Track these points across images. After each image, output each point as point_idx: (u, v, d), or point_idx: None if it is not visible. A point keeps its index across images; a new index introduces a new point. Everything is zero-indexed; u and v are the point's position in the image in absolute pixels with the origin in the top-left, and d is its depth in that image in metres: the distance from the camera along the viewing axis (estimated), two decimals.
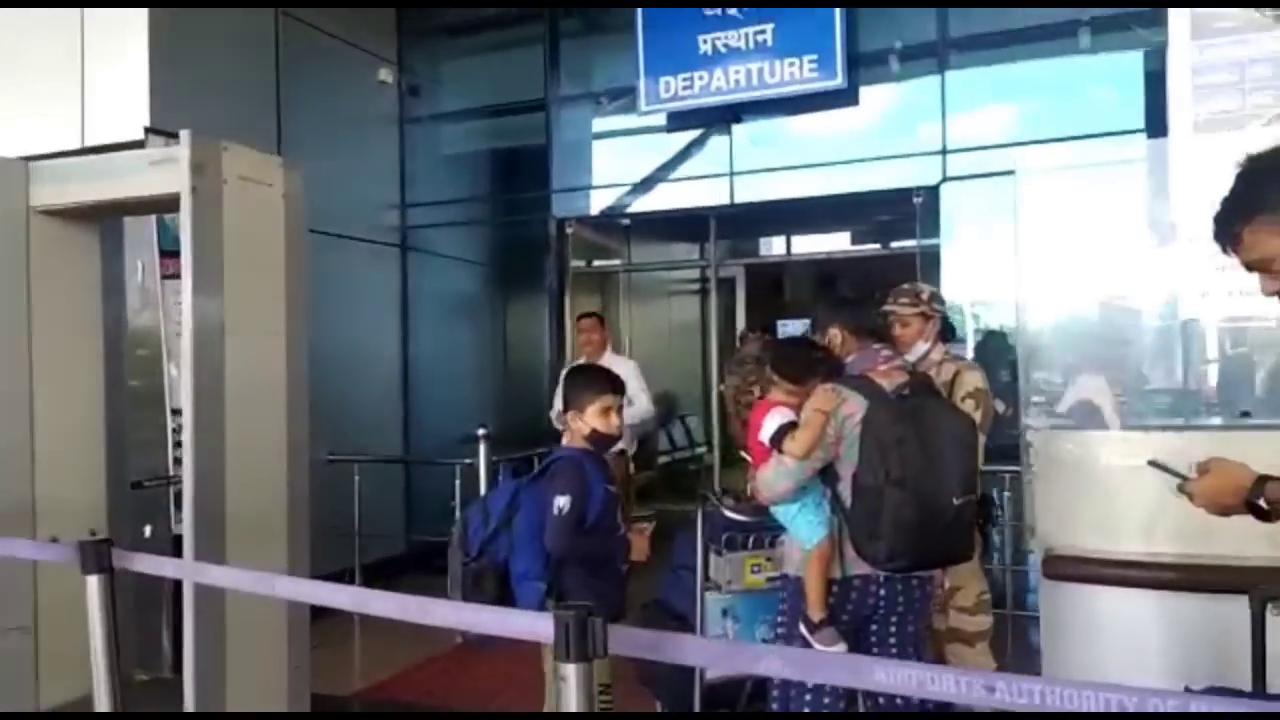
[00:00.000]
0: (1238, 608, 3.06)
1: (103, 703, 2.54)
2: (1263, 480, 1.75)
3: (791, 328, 9.09)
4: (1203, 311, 3.25)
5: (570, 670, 1.67)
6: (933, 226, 6.22)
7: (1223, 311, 3.24)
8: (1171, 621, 3.19)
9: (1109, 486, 3.28)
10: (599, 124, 7.59)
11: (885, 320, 3.38)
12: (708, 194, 6.98)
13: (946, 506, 2.61)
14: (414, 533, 7.16)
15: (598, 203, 7.58)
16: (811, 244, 9.83)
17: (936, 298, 3.54)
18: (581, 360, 5.51)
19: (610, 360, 5.52)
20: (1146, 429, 3.41)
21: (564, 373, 3.24)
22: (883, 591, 2.78)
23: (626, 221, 7.93)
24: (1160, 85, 5.70)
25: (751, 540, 3.38)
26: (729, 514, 3.38)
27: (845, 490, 2.73)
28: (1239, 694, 2.13)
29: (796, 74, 6.27)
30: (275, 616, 3.70)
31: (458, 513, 6.19)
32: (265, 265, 3.88)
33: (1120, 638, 3.24)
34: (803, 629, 2.75)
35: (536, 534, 2.82)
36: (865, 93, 6.41)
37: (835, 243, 9.55)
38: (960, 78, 6.25)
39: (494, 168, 8.19)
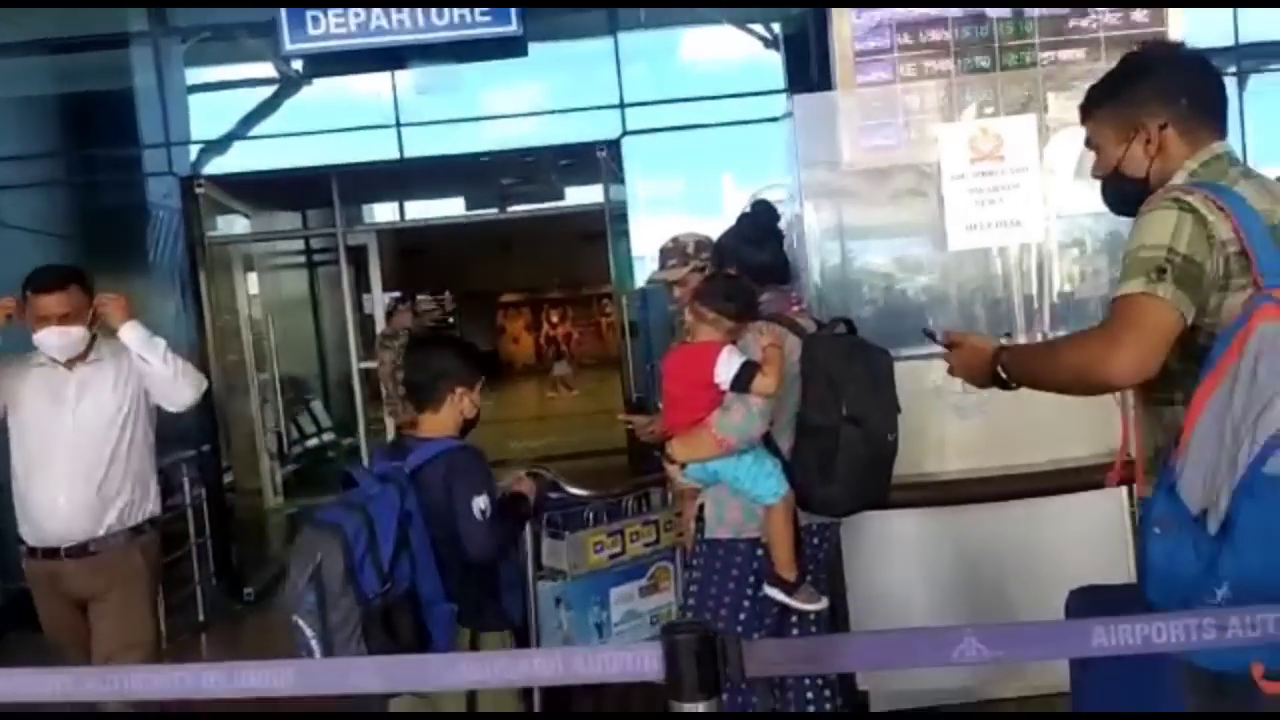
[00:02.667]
0: (1021, 512, 3.41)
1: None
2: (1000, 350, 1.86)
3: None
4: (971, 241, 3.50)
5: (700, 711, 1.27)
6: (617, 182, 6.15)
7: (991, 241, 3.51)
8: (958, 533, 3.45)
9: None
10: (231, 66, 6.43)
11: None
12: (366, 148, 6.24)
13: (886, 444, 2.54)
14: (10, 581, 5.62)
15: (222, 160, 6.45)
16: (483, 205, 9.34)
17: (705, 246, 3.13)
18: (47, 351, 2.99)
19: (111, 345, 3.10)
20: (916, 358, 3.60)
21: (409, 343, 2.65)
22: (816, 540, 2.65)
23: (259, 182, 6.84)
24: (798, 47, 6.18)
25: (593, 516, 3.03)
26: (573, 491, 2.99)
27: (780, 433, 2.55)
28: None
29: (467, 17, 5.78)
30: None
31: None
32: None
33: (916, 555, 3.44)
34: (774, 593, 2.53)
35: (431, 546, 2.33)
36: (539, 43, 6.10)
37: (513, 202, 9.16)
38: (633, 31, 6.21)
39: (76, 116, 6.57)
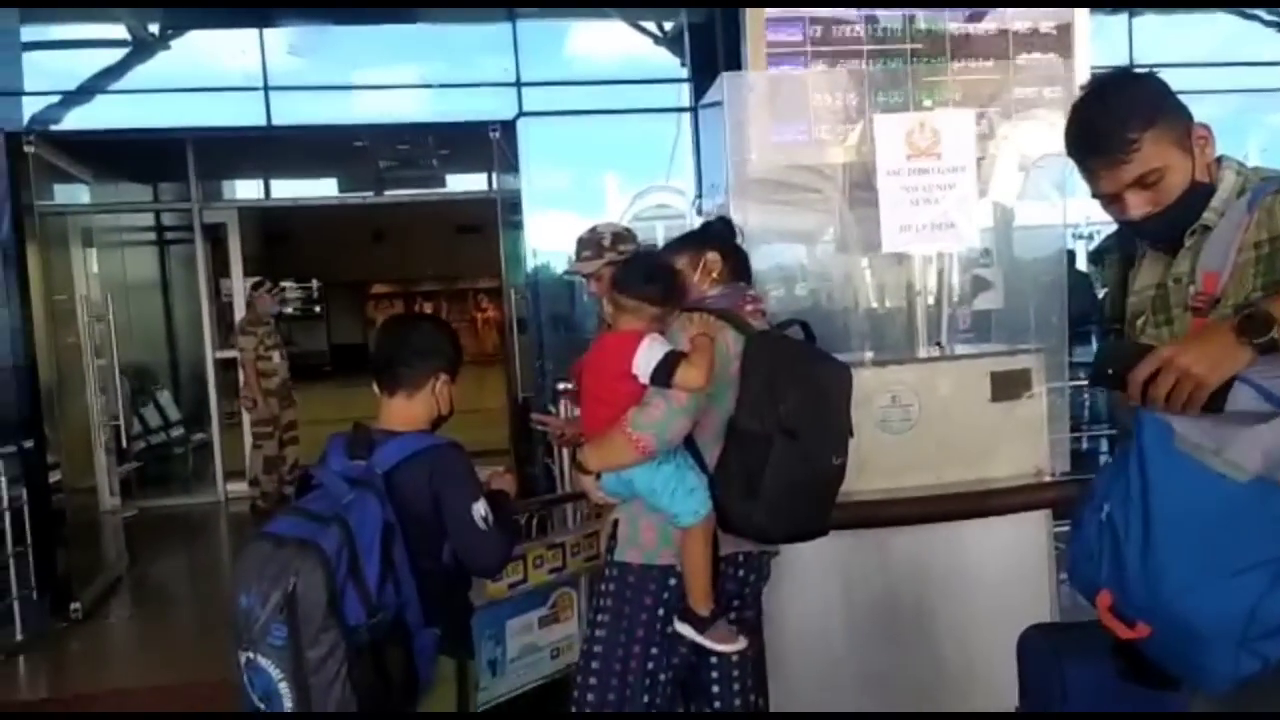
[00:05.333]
0: (945, 534, 3.21)
1: None
2: (1248, 314, 1.38)
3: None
4: (905, 244, 3.27)
5: None
6: (509, 169, 5.72)
7: (925, 245, 3.29)
8: (881, 556, 3.22)
9: None
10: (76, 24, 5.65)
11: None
12: (229, 111, 5.60)
13: (829, 467, 2.23)
14: None
15: (62, 119, 5.69)
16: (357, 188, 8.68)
17: (623, 238, 2.99)
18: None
19: None
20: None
21: (389, 325, 2.28)
22: (742, 572, 2.35)
23: (104, 145, 6.07)
24: (704, 36, 5.94)
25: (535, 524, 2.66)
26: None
27: (708, 444, 2.24)
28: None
29: None
30: None
31: None
32: None
33: (837, 579, 3.20)
34: (684, 629, 2.22)
35: (413, 562, 1.97)
36: (431, 23, 5.62)
37: (390, 187, 8.54)
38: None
39: None
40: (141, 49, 5.81)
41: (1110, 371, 1.43)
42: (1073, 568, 1.55)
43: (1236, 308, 1.47)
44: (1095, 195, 1.64)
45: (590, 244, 2.90)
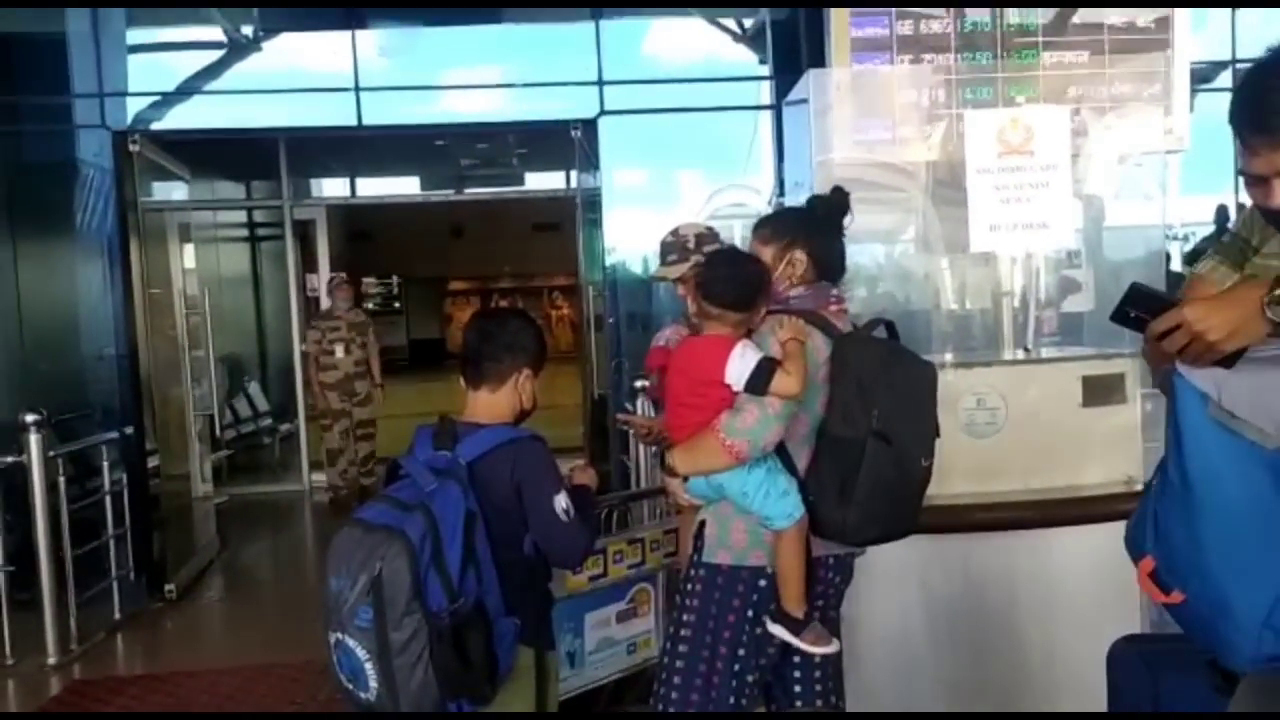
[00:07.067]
0: (1030, 542, 3.13)
1: None
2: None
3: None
4: (994, 243, 3.20)
5: None
6: (590, 167, 5.77)
7: (1015, 244, 3.22)
8: (963, 561, 3.16)
9: None
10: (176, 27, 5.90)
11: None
12: (321, 111, 5.77)
13: (919, 469, 2.22)
14: None
15: (161, 118, 5.92)
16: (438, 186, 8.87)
17: (706, 238, 2.85)
18: None
19: None
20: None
21: (477, 320, 2.33)
22: (832, 575, 2.34)
23: (201, 144, 6.30)
24: (786, 32, 5.89)
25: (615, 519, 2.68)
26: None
27: (797, 448, 2.23)
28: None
29: None
30: None
31: None
32: None
33: (916, 583, 3.14)
34: (778, 631, 2.22)
35: (494, 552, 2.02)
36: (514, 23, 5.71)
37: (470, 185, 8.69)
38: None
39: None
40: (238, 51, 6.00)
41: (1132, 315, 1.45)
42: (1128, 534, 1.53)
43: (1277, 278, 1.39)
44: (1242, 171, 1.57)
45: (675, 247, 2.83)
